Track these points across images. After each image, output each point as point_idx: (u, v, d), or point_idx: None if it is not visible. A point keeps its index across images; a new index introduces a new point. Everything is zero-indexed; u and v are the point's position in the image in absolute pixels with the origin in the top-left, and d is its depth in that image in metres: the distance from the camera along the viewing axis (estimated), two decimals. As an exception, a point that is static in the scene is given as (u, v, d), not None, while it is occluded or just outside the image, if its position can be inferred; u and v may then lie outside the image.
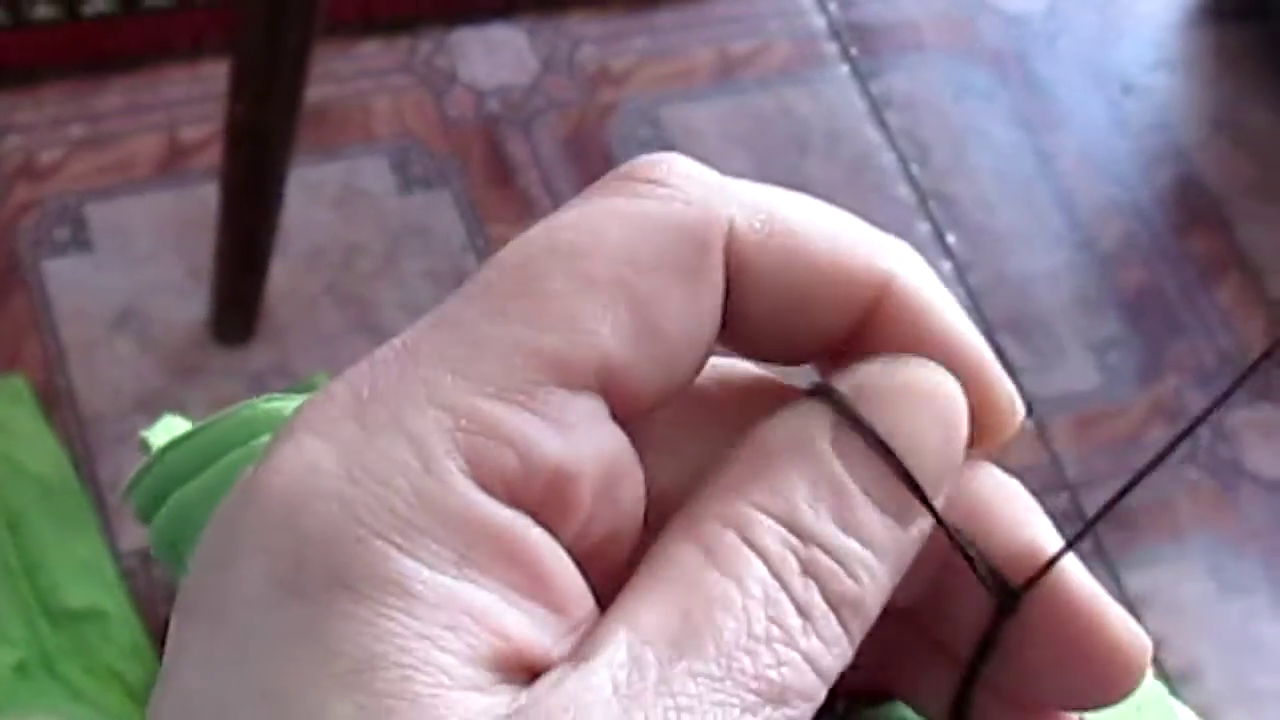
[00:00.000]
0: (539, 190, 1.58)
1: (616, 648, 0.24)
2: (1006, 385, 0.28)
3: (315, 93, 1.33)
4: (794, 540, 0.25)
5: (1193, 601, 1.51)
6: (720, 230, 0.27)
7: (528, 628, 0.24)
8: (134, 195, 1.51)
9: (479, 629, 0.23)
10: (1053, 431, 1.53)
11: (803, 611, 0.25)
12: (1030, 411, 1.53)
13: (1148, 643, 0.28)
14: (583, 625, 0.24)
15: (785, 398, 0.28)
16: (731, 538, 0.25)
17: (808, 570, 0.25)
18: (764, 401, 0.28)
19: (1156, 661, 1.54)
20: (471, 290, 0.26)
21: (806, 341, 0.28)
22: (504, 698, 0.23)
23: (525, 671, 0.24)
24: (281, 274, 1.46)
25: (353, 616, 0.23)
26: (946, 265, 1.60)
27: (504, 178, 1.58)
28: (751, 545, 0.25)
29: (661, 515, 0.27)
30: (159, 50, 1.58)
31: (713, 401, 0.28)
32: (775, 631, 0.24)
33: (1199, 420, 0.28)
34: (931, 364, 0.27)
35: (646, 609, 0.24)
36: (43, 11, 1.55)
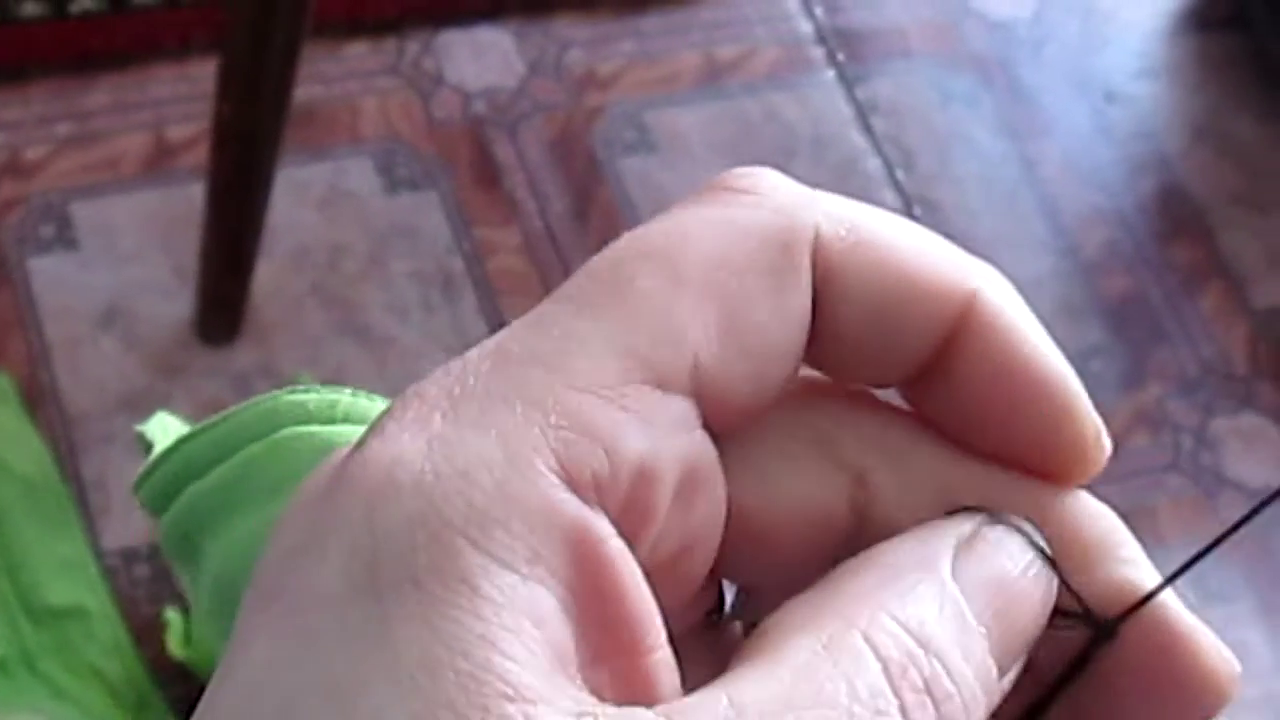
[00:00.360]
0: (525, 192, 1.58)
1: (713, 714, 0.23)
2: (1093, 417, 0.28)
3: (302, 93, 1.33)
4: (919, 653, 0.24)
5: (1173, 608, 1.51)
6: (807, 235, 0.27)
7: (584, 639, 0.23)
8: (120, 194, 1.51)
9: (540, 635, 0.23)
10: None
11: None
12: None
13: (1237, 668, 0.27)
14: (648, 649, 0.24)
15: (871, 425, 0.28)
16: (855, 637, 0.24)
17: (928, 687, 0.24)
18: (853, 428, 0.28)
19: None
20: (563, 293, 0.26)
21: (894, 358, 0.28)
22: (563, 717, 0.22)
23: (582, 683, 0.23)
24: (267, 274, 1.46)
25: (416, 618, 0.22)
26: (930, 271, 1.60)
27: (490, 180, 1.58)
28: (874, 648, 0.24)
29: (741, 535, 0.27)
30: (146, 49, 1.58)
31: (804, 426, 0.28)
32: None
33: None
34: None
35: (752, 686, 0.23)
36: (30, 9, 1.55)
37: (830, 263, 0.27)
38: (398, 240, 1.53)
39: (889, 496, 0.28)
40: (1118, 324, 1.64)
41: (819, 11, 1.76)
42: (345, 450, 0.25)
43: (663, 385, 0.25)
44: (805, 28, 1.75)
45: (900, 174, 1.67)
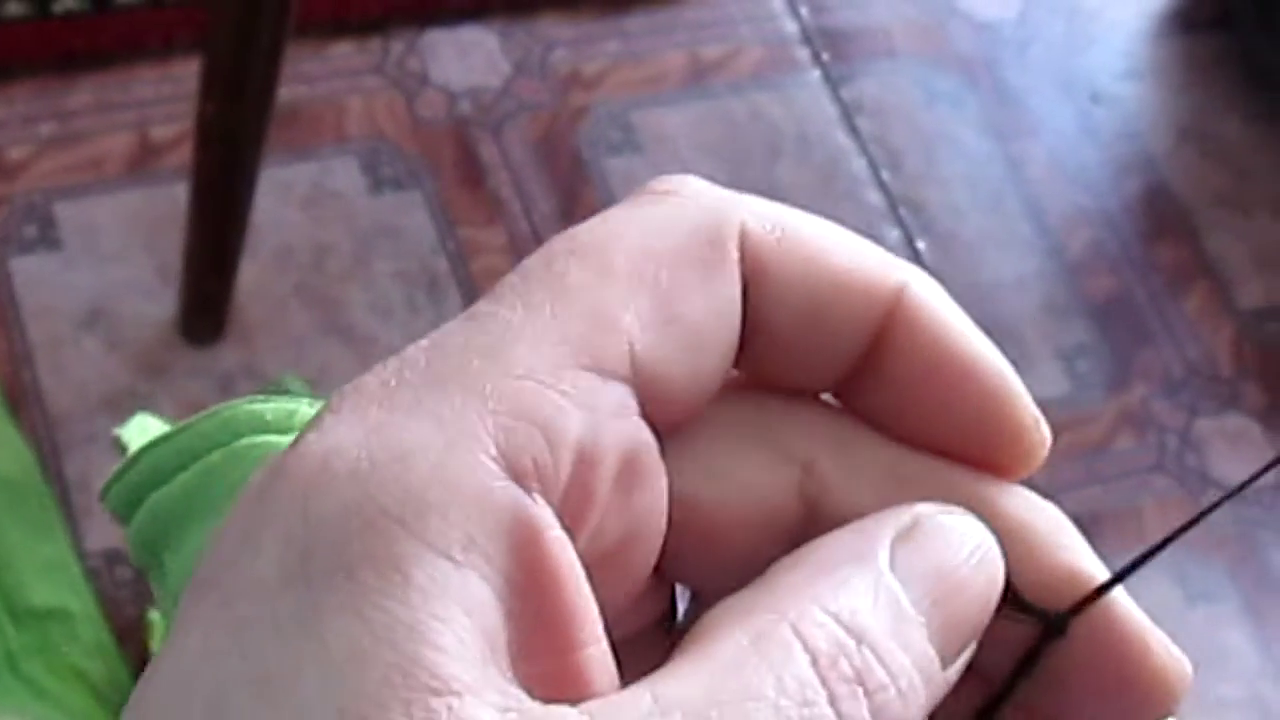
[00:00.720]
0: (509, 192, 1.58)
1: (637, 711, 0.23)
2: (1030, 407, 0.28)
3: (287, 93, 1.32)
4: (850, 643, 0.24)
5: (1158, 609, 1.51)
6: (733, 230, 0.27)
7: (518, 630, 0.23)
8: (104, 194, 1.51)
9: (471, 624, 0.23)
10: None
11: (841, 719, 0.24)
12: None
13: (1188, 668, 0.27)
14: (583, 643, 0.24)
15: (814, 416, 0.28)
16: (784, 630, 0.24)
17: (859, 677, 0.24)
18: (797, 420, 0.28)
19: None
20: (498, 291, 0.26)
21: (826, 356, 0.28)
22: (488, 711, 0.22)
23: (514, 676, 0.23)
24: (251, 274, 1.46)
25: (347, 607, 0.22)
26: (916, 271, 1.60)
27: (475, 179, 1.58)
28: (803, 640, 0.24)
29: (689, 531, 0.27)
30: (130, 49, 1.58)
31: (748, 419, 0.28)
32: None
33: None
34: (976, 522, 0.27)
35: (678, 682, 0.23)
36: (13, 9, 1.55)
37: (759, 260, 0.27)
38: (382, 240, 1.53)
39: (838, 486, 0.28)
40: (1103, 324, 1.64)
41: (804, 11, 1.76)
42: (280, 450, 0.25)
43: (600, 371, 0.25)
44: (790, 27, 1.75)
45: (885, 174, 1.67)
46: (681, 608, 0.29)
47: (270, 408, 0.35)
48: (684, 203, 0.27)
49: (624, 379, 0.25)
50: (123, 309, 1.45)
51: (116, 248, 1.48)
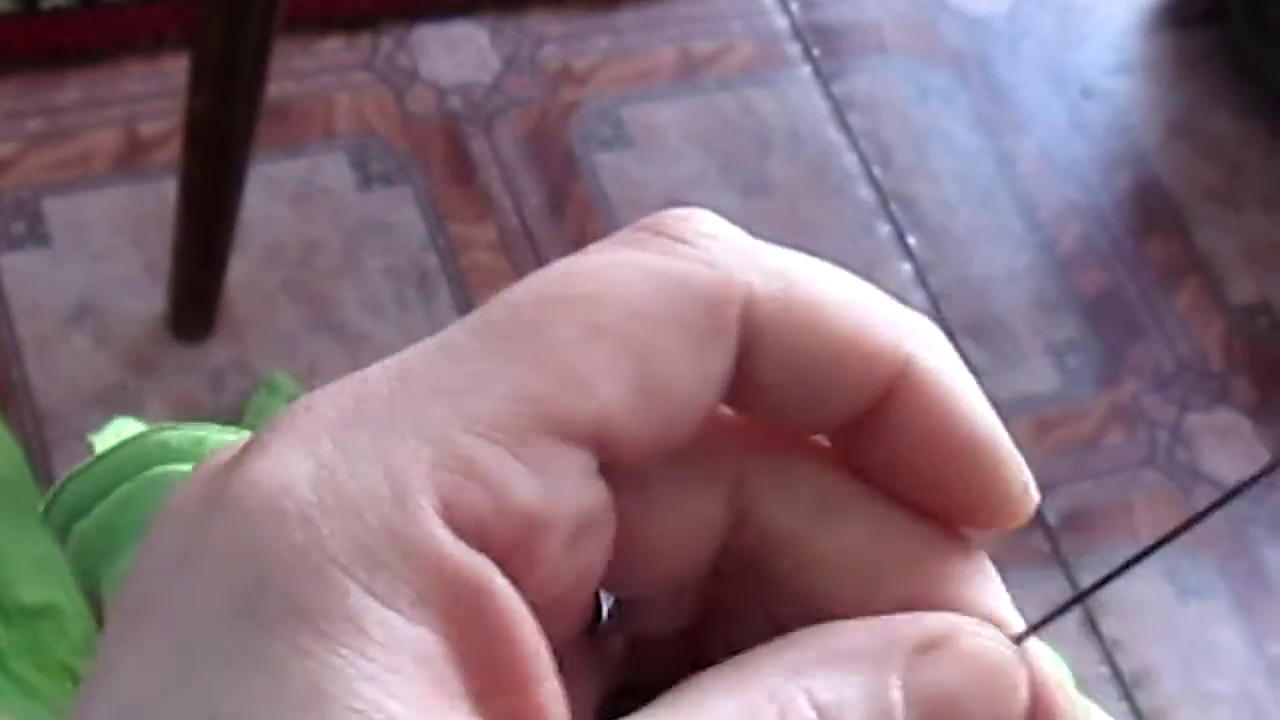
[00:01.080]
0: (500, 188, 1.58)
1: None
2: (1022, 475, 0.28)
3: (276, 89, 1.32)
4: None
5: (1149, 605, 1.51)
6: (739, 296, 0.26)
7: (472, 679, 0.23)
8: (92, 190, 1.50)
9: (426, 675, 0.23)
10: (1011, 434, 1.53)
11: None
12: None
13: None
14: (538, 684, 0.24)
15: (748, 432, 0.27)
16: (771, 714, 0.24)
17: None
18: (730, 433, 0.27)
19: (1112, 663, 1.54)
20: (476, 323, 0.25)
21: (818, 415, 0.27)
22: None
23: None
24: (240, 270, 1.45)
25: (306, 652, 0.22)
26: (907, 267, 1.60)
27: (465, 175, 1.58)
28: None
29: (623, 552, 0.26)
30: (119, 44, 1.57)
31: (708, 456, 0.27)
32: None
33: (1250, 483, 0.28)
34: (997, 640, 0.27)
35: None
36: (1, 4, 1.54)
37: (761, 323, 0.26)
38: (372, 236, 1.53)
39: (768, 499, 0.27)
40: (1093, 320, 1.64)
41: (795, 7, 1.75)
42: (215, 464, 0.24)
43: (564, 436, 0.24)
44: (781, 23, 1.74)
45: (877, 169, 1.67)
46: (605, 606, 0.29)
47: (177, 435, 0.34)
48: (694, 256, 0.26)
49: (589, 443, 0.25)
50: (112, 305, 1.45)
51: (105, 244, 1.48)
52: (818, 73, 1.72)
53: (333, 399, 0.24)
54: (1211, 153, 1.77)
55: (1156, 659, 1.49)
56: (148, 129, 1.54)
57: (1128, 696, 1.46)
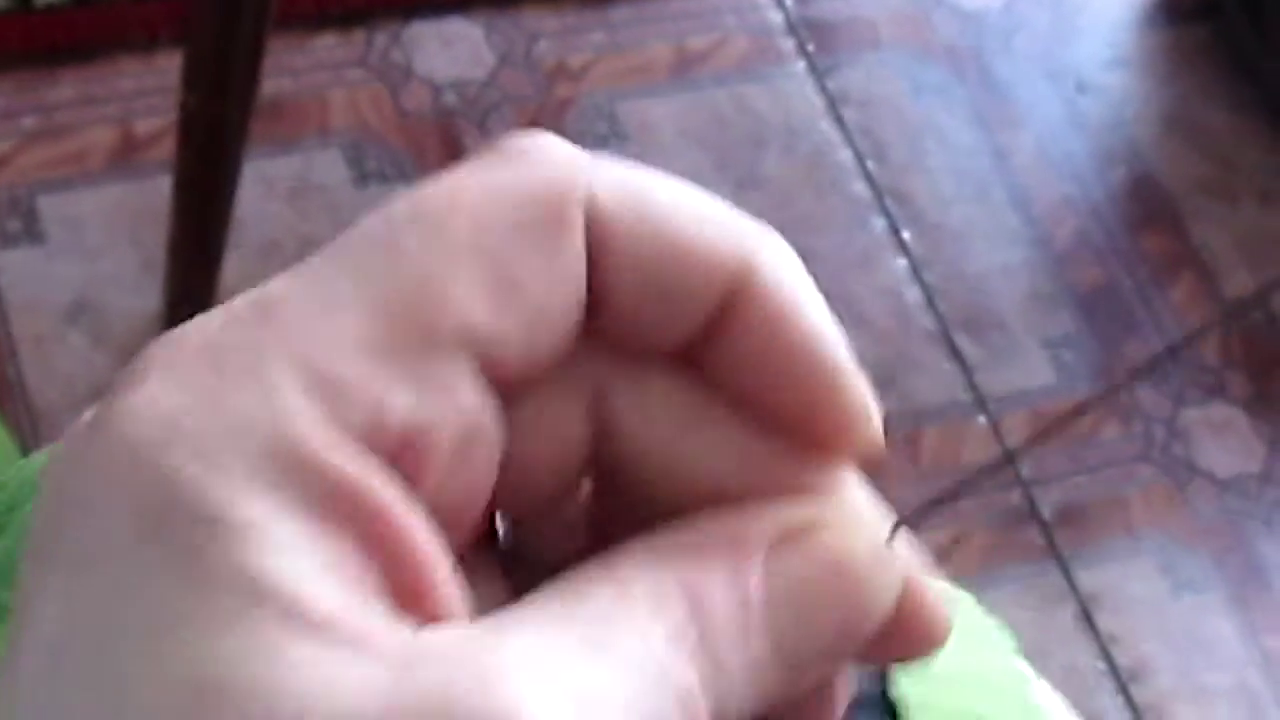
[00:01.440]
0: (495, 185, 1.58)
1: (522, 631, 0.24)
2: (860, 394, 0.28)
3: (270, 86, 1.32)
4: (692, 632, 0.25)
5: (1144, 599, 1.52)
6: (577, 198, 0.26)
7: (375, 582, 0.24)
8: (87, 187, 1.50)
9: (338, 579, 0.23)
10: (1006, 428, 1.53)
11: None
12: (984, 408, 1.53)
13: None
14: (439, 585, 0.24)
15: (611, 351, 0.28)
16: (640, 592, 0.25)
17: (692, 659, 0.25)
18: (592, 351, 0.28)
19: (1108, 658, 1.54)
20: (334, 249, 0.26)
21: (669, 324, 0.28)
22: (392, 640, 0.23)
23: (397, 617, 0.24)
24: (235, 267, 1.45)
25: (221, 561, 0.22)
26: (902, 262, 1.60)
27: (460, 172, 1.58)
28: (660, 612, 0.25)
29: (513, 480, 0.27)
30: (113, 41, 1.57)
31: (569, 372, 0.28)
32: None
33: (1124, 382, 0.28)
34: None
35: (542, 618, 0.24)
36: (-5, 1, 1.54)
37: (605, 228, 0.27)
38: (367, 233, 1.53)
39: (628, 413, 0.28)
40: (1089, 314, 1.64)
41: (789, 2, 1.76)
42: (90, 413, 0.25)
43: (431, 345, 0.25)
44: (776, 18, 1.74)
45: (871, 165, 1.67)
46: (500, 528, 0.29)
47: None
48: (530, 167, 0.27)
49: (458, 351, 0.25)
50: (107, 302, 1.45)
51: (100, 241, 1.47)
52: (812, 68, 1.72)
53: (200, 332, 0.25)
54: (1206, 147, 1.78)
55: (1152, 653, 1.49)
56: (142, 126, 1.54)
57: (1124, 690, 1.46)
